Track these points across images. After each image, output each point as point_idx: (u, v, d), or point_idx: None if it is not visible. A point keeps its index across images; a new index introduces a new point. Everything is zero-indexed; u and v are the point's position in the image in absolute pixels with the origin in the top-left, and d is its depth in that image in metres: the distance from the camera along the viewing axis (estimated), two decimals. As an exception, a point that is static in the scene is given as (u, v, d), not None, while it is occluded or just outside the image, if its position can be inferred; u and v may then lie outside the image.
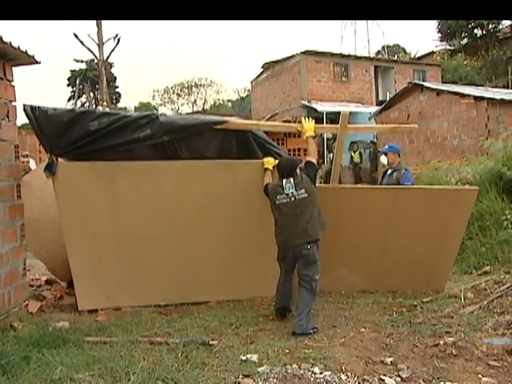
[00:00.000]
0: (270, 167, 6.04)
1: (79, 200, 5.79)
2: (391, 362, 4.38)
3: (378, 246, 6.37)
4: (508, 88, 23.82)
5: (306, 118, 6.22)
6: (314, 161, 5.77)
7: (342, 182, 18.70)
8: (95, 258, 5.92)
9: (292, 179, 5.45)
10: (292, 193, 5.41)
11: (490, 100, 15.82)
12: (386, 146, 7.88)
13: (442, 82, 24.85)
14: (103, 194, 5.81)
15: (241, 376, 4.08)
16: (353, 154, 20.92)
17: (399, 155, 7.49)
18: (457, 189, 7.35)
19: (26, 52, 5.42)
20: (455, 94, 17.15)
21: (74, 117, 5.58)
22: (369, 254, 6.38)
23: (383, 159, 7.60)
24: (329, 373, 4.15)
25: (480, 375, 4.09)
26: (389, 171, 7.52)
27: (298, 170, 5.56)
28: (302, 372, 4.17)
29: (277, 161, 5.94)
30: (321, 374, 4.14)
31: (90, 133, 5.55)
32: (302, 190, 5.42)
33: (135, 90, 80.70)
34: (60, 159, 5.71)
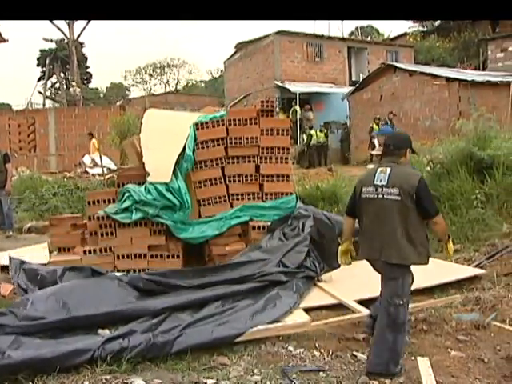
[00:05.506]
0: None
1: None
2: (363, 338, 4.46)
3: None
4: (479, 69, 24.08)
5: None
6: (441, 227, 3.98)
7: (311, 162, 18.43)
8: None
9: (390, 169, 3.85)
10: (382, 186, 3.82)
11: (462, 81, 16.00)
12: (380, 130, 7.81)
13: (415, 63, 25.00)
14: None
15: (215, 354, 4.12)
16: (318, 133, 19.17)
17: None
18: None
19: (-7, 29, 5.27)
20: (427, 75, 17.31)
21: None
22: None
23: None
24: (302, 350, 4.21)
25: (449, 349, 4.23)
26: None
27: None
28: (275, 349, 4.22)
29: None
30: (295, 350, 4.20)
31: None
32: (395, 190, 3.76)
33: (107, 70, 79.39)
34: None
